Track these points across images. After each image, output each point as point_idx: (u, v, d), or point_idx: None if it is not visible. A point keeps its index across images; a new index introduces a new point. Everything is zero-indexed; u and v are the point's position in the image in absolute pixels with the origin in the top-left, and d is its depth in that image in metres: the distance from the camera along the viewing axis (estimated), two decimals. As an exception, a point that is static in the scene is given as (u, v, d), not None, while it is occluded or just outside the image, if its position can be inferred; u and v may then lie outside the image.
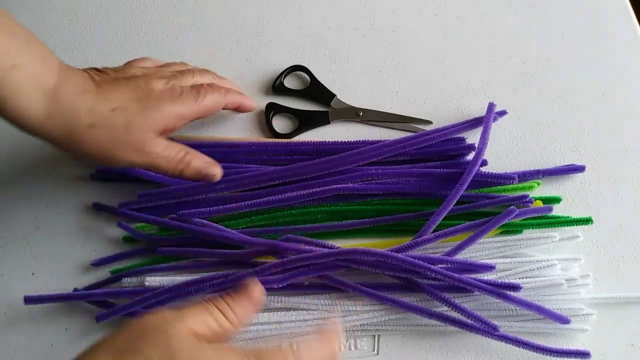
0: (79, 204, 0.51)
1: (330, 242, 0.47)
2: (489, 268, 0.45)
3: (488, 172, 0.49)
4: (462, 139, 0.51)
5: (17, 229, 0.51)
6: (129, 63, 0.48)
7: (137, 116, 0.43)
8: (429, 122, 0.54)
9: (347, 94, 0.55)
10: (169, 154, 0.45)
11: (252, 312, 0.37)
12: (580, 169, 0.51)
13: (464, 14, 0.59)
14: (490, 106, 0.51)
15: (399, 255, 0.44)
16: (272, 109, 0.55)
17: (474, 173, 0.48)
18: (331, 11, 0.60)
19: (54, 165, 0.53)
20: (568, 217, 0.49)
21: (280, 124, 0.55)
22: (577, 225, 0.49)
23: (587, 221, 0.48)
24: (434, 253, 0.47)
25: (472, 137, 0.51)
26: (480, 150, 0.49)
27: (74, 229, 0.51)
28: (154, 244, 0.49)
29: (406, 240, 0.46)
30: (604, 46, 0.57)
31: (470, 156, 0.51)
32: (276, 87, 0.56)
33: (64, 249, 0.50)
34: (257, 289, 0.38)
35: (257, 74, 0.57)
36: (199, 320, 0.35)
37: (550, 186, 0.51)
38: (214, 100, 0.47)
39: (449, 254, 0.46)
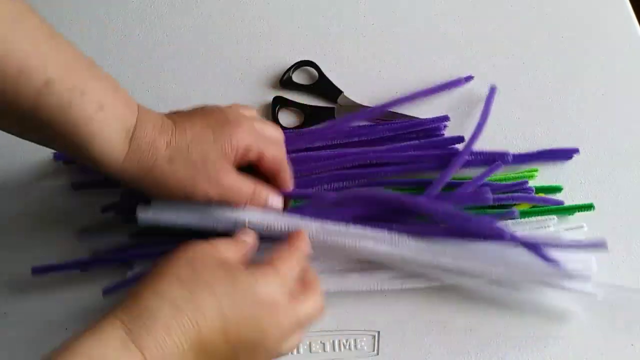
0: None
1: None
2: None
3: (481, 151, 0.50)
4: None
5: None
6: (199, 105, 0.47)
7: (213, 146, 0.42)
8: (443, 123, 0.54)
9: (347, 93, 0.55)
10: (240, 187, 0.44)
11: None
12: (574, 151, 0.52)
13: (464, 14, 0.59)
14: (492, 89, 0.53)
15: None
16: (279, 103, 0.55)
17: (469, 151, 0.49)
18: (331, 11, 0.60)
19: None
20: (569, 205, 0.49)
21: (286, 118, 0.55)
22: (578, 211, 0.49)
23: (588, 207, 0.49)
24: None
25: (468, 121, 0.52)
26: (479, 127, 0.50)
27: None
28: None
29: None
30: (604, 46, 0.57)
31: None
32: (284, 81, 0.56)
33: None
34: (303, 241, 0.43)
35: (260, 70, 0.57)
36: (229, 249, 0.40)
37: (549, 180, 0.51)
38: (277, 153, 0.45)
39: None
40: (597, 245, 0.44)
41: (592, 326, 0.46)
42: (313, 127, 0.54)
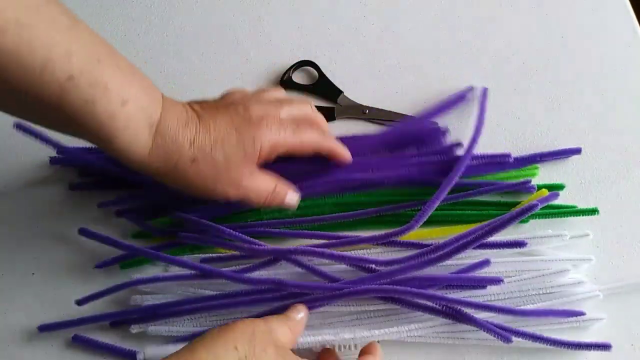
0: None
1: (338, 233, 0.48)
2: (497, 281, 0.44)
3: (482, 154, 0.50)
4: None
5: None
6: (226, 93, 0.47)
7: (236, 149, 0.42)
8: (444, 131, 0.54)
9: (347, 93, 0.55)
10: (260, 186, 0.44)
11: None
12: (575, 151, 0.51)
13: (464, 14, 0.59)
14: (484, 91, 0.54)
15: (394, 287, 0.44)
16: None
17: (469, 157, 0.49)
18: (331, 11, 0.60)
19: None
20: (573, 206, 0.49)
21: None
22: (582, 215, 0.49)
23: (592, 212, 0.49)
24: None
25: (465, 123, 0.52)
26: (477, 131, 0.50)
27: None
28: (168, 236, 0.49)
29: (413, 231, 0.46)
30: (604, 46, 0.57)
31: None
32: (284, 80, 0.56)
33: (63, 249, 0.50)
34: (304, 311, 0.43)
35: (260, 70, 0.57)
36: (282, 330, 0.40)
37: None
38: (312, 138, 0.46)
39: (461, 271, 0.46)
40: (600, 346, 0.44)
41: (592, 326, 0.46)
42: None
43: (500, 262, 0.47)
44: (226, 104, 0.45)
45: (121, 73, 0.39)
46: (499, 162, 0.50)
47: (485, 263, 0.45)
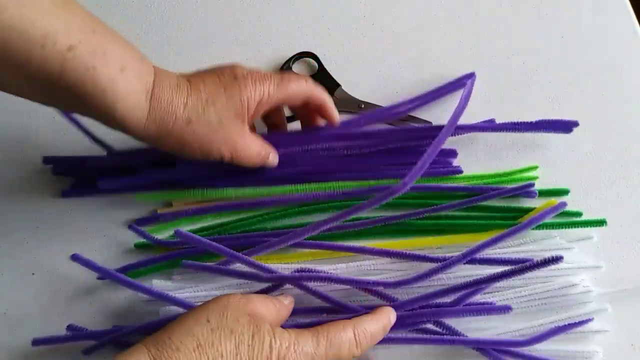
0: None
1: (342, 243, 0.48)
2: (505, 309, 0.44)
3: (503, 187, 0.49)
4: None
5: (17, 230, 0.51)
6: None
7: (227, 109, 0.44)
8: (428, 123, 0.54)
9: (346, 87, 0.56)
10: (251, 146, 0.46)
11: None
12: (574, 124, 0.51)
13: (464, 14, 0.59)
14: (471, 75, 0.53)
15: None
16: None
17: (452, 129, 0.49)
18: (331, 11, 0.60)
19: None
20: (579, 212, 0.49)
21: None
22: (590, 226, 0.48)
23: (600, 223, 0.48)
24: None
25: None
26: (456, 115, 0.49)
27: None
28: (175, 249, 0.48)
29: (417, 240, 0.47)
30: (604, 46, 0.57)
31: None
32: (284, 70, 0.56)
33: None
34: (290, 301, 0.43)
35: (260, 64, 0.56)
36: (262, 303, 0.40)
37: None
38: (299, 87, 0.47)
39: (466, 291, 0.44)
40: None
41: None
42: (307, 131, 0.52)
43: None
44: (213, 69, 0.46)
45: (116, 43, 0.41)
46: (525, 192, 0.49)
47: (507, 309, 0.44)
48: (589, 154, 0.52)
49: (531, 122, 0.51)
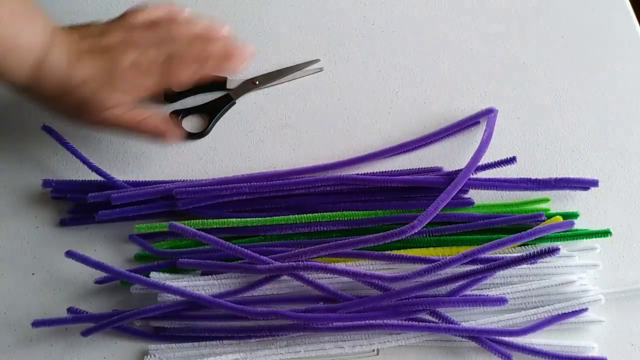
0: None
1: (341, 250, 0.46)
2: (501, 301, 0.43)
3: (515, 215, 0.48)
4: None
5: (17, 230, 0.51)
6: (124, 15, 0.50)
7: (103, 89, 0.46)
8: (316, 61, 0.56)
9: (341, 94, 0.56)
10: (126, 116, 0.48)
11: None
12: (593, 182, 0.49)
13: (464, 14, 0.59)
14: (492, 111, 0.52)
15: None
16: (178, 115, 0.54)
17: (471, 172, 0.48)
18: (330, 10, 0.60)
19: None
20: (576, 214, 0.48)
21: (191, 124, 0.55)
22: (594, 237, 0.47)
23: (605, 233, 0.47)
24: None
25: (470, 138, 0.51)
26: (477, 154, 0.48)
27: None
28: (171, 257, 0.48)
29: (421, 250, 0.47)
30: (604, 46, 0.57)
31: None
32: (168, 96, 0.55)
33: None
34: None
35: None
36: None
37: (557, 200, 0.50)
38: (185, 76, 0.48)
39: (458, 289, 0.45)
40: None
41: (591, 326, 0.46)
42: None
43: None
44: (104, 47, 0.47)
45: (11, 11, 0.43)
46: (535, 221, 0.47)
47: (503, 301, 0.43)
48: (589, 154, 0.52)
49: (550, 180, 0.49)
